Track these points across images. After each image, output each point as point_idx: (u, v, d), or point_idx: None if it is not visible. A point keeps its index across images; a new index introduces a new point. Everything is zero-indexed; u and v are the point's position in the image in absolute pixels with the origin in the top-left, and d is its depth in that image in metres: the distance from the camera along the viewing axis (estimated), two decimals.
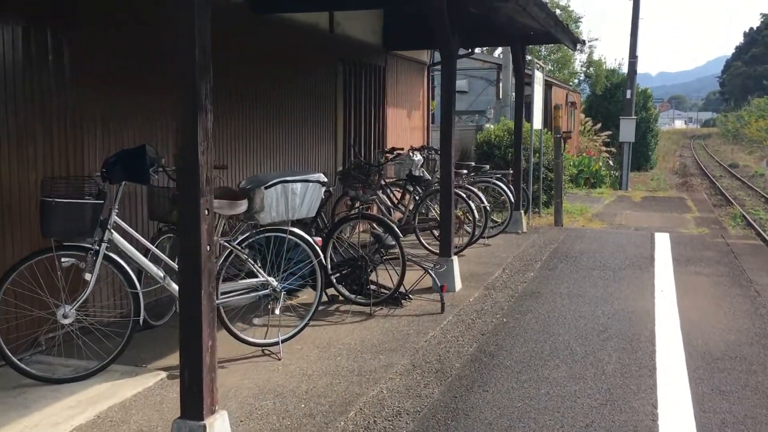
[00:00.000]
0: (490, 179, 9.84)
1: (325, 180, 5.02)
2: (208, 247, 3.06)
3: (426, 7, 6.44)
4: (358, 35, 9.78)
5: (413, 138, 11.93)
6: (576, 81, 37.87)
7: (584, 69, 38.30)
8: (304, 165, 8.41)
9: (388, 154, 9.37)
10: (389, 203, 9.10)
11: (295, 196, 4.83)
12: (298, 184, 4.83)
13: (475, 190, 8.77)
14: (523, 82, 10.96)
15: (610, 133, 26.76)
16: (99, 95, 5.20)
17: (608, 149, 26.35)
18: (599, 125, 27.69)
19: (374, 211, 9.38)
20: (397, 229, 6.05)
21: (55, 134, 4.87)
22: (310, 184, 4.91)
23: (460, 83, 20.97)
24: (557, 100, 21.79)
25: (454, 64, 6.65)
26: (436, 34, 6.39)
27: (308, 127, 8.51)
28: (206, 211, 3.03)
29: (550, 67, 34.12)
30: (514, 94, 12.47)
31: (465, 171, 9.56)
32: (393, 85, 11.07)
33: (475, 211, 8.30)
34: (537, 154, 12.90)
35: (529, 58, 11.78)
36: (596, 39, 46.76)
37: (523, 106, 11.11)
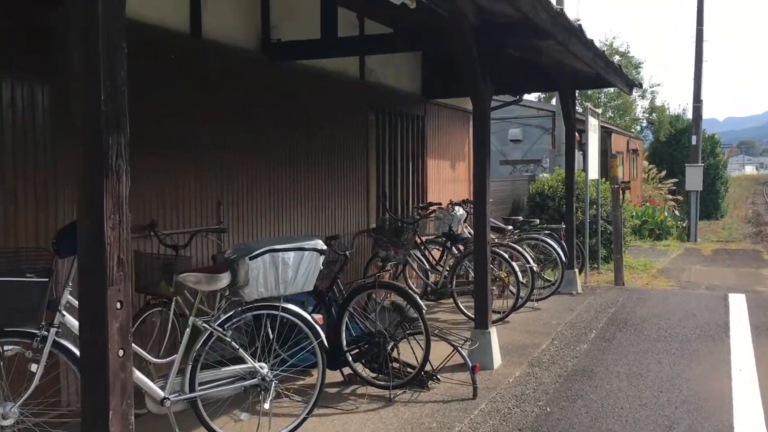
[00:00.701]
0: (538, 236, 8.92)
1: (324, 248, 4.24)
2: (121, 352, 2.32)
3: (452, 45, 5.72)
4: (393, 83, 9.12)
5: (457, 191, 11.11)
6: (638, 128, 36.57)
7: (646, 115, 37.03)
8: (329, 224, 7.69)
9: (422, 210, 8.58)
10: (426, 264, 8.29)
11: (287, 267, 4.06)
12: (291, 254, 4.06)
13: (520, 248, 7.87)
14: (574, 128, 10.08)
15: (676, 180, 25.41)
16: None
17: (674, 197, 24.97)
18: (664, 173, 26.38)
19: (411, 273, 8.58)
20: (419, 299, 5.22)
21: (21, 198, 4.28)
22: (306, 252, 4.13)
23: (514, 131, 20.19)
24: (617, 147, 20.69)
25: (487, 107, 5.86)
26: (463, 73, 5.65)
27: (335, 182, 7.81)
28: (118, 305, 2.30)
29: (610, 113, 33.01)
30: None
31: (510, 227, 8.70)
32: (434, 135, 10.34)
33: (519, 274, 7.39)
34: (594, 206, 11.92)
35: (587, 104, 10.96)
36: (658, 84, 45.79)
37: (574, 155, 10.18)
